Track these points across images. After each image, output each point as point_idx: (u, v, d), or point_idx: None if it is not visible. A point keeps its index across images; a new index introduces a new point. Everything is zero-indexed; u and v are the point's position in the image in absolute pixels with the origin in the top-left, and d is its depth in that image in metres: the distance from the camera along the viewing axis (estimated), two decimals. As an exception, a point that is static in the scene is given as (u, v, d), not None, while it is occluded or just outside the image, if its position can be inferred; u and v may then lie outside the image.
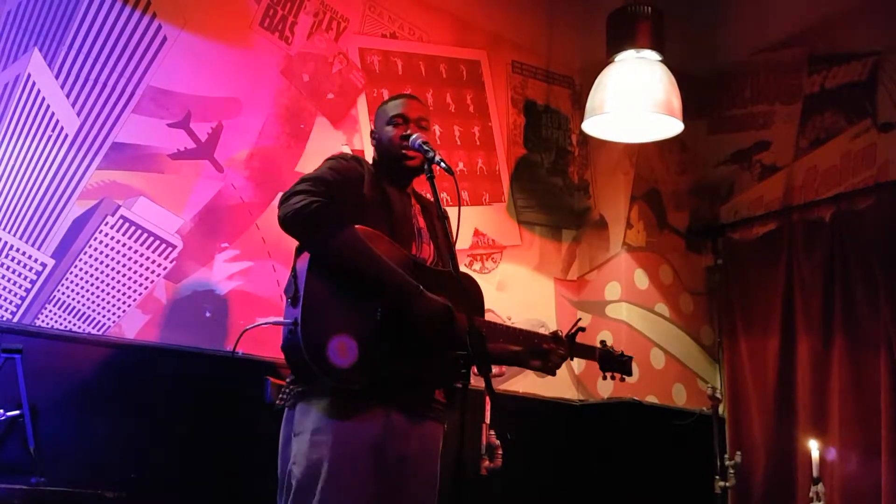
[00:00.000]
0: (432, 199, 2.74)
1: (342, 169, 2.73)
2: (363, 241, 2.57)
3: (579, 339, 3.01)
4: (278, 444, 2.66)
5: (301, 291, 2.53)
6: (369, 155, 2.97)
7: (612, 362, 3.10)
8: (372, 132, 2.94)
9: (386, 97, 3.89)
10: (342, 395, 2.53)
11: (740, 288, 4.66)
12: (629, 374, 3.14)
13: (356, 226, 2.60)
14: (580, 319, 3.14)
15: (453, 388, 2.77)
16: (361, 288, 2.56)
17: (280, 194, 2.64)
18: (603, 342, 3.13)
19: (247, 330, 3.04)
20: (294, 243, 2.67)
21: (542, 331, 2.96)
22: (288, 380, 2.69)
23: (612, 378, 3.13)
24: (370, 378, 2.54)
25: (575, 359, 4.40)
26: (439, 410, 2.73)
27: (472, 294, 2.76)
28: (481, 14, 4.57)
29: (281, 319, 2.62)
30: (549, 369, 2.90)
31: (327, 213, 2.56)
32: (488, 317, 2.91)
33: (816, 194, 4.45)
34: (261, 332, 2.93)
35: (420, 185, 2.90)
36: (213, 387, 3.39)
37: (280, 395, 2.70)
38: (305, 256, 2.58)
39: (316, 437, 2.52)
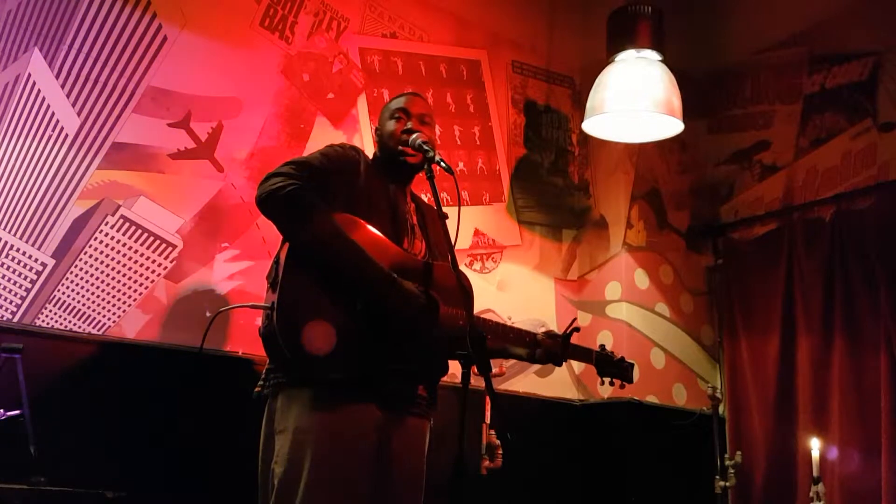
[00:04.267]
0: (430, 202, 2.73)
1: (334, 156, 2.71)
2: (338, 228, 2.52)
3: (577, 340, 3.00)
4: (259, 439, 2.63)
5: (280, 276, 2.50)
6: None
7: (611, 367, 3.06)
8: (375, 129, 2.94)
9: (386, 97, 3.90)
10: (323, 390, 2.50)
11: (741, 288, 4.66)
12: (629, 380, 3.08)
13: (337, 213, 2.56)
14: (575, 320, 3.11)
15: (435, 384, 2.75)
16: (338, 276, 2.51)
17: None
18: (602, 346, 3.10)
19: (219, 313, 3.02)
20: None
21: (540, 331, 2.96)
22: (267, 367, 2.65)
23: (612, 384, 3.10)
24: (349, 369, 2.50)
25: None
26: (422, 405, 2.70)
27: (463, 289, 2.63)
28: (481, 14, 4.57)
29: (259, 304, 2.58)
30: (541, 358, 2.88)
31: (303, 197, 2.51)
32: (488, 316, 2.91)
33: (817, 194, 4.45)
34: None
35: (420, 184, 2.90)
36: (213, 387, 3.39)
37: (260, 382, 2.67)
38: None
39: (297, 436, 2.49)
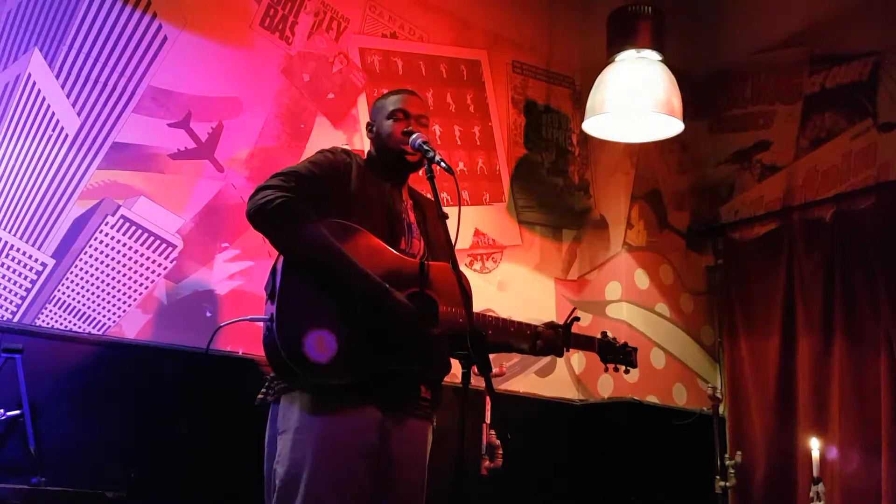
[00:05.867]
0: (430, 198, 2.72)
1: (325, 162, 2.70)
2: (328, 239, 2.53)
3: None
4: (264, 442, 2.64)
5: (278, 287, 2.51)
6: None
7: (614, 353, 3.06)
8: (369, 125, 2.90)
9: (386, 97, 3.87)
10: (324, 392, 2.51)
11: (741, 288, 4.65)
12: (633, 365, 3.08)
13: (333, 220, 2.57)
14: (575, 309, 3.10)
15: (438, 384, 2.75)
16: (331, 285, 2.52)
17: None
18: (604, 333, 3.09)
19: (221, 327, 3.03)
20: None
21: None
22: (271, 375, 2.66)
23: (616, 370, 3.10)
24: (350, 374, 2.51)
25: (575, 356, 4.40)
26: (425, 407, 2.70)
27: (462, 289, 2.58)
28: (481, 14, 4.57)
29: (259, 316, 2.60)
30: (543, 350, 2.87)
31: (292, 209, 2.52)
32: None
33: (817, 194, 4.45)
34: (261, 332, 2.93)
35: (420, 183, 2.89)
36: (213, 387, 3.39)
37: (262, 390, 2.68)
38: None
39: (299, 436, 2.50)
